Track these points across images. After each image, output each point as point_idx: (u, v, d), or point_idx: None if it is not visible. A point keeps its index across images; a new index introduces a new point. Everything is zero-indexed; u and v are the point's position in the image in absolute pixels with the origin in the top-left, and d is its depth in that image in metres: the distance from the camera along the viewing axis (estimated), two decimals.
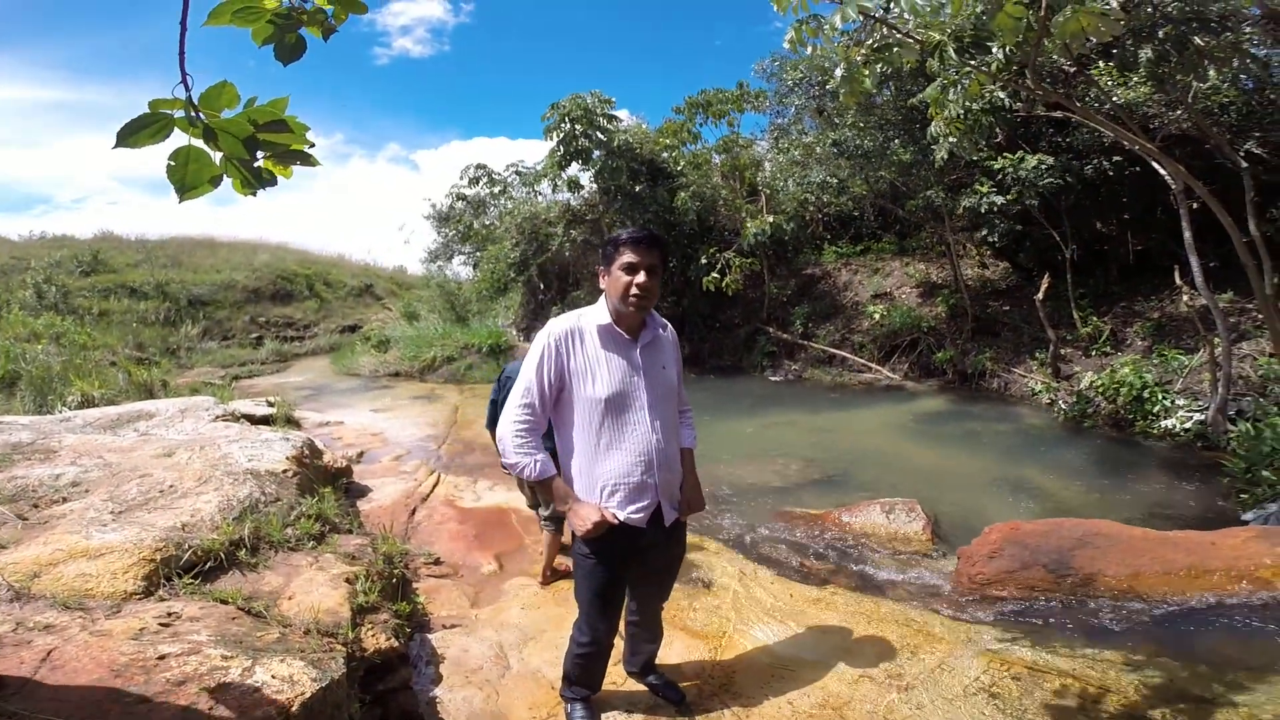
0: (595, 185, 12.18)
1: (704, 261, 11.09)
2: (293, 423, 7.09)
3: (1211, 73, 6.34)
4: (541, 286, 13.87)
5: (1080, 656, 2.86)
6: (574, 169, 11.93)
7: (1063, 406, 7.36)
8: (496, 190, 15.10)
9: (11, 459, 3.83)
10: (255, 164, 1.32)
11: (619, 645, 2.54)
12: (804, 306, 11.45)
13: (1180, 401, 6.48)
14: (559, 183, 12.35)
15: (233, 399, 7.64)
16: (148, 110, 1.19)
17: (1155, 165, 6.19)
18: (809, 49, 3.43)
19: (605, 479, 2.09)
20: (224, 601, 2.48)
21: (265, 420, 6.58)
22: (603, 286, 2.12)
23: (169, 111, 1.20)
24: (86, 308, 14.46)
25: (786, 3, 3.19)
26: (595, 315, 2.12)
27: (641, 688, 2.59)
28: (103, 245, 18.18)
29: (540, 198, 13.92)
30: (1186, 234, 6.14)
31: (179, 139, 1.23)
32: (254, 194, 1.38)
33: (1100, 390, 6.94)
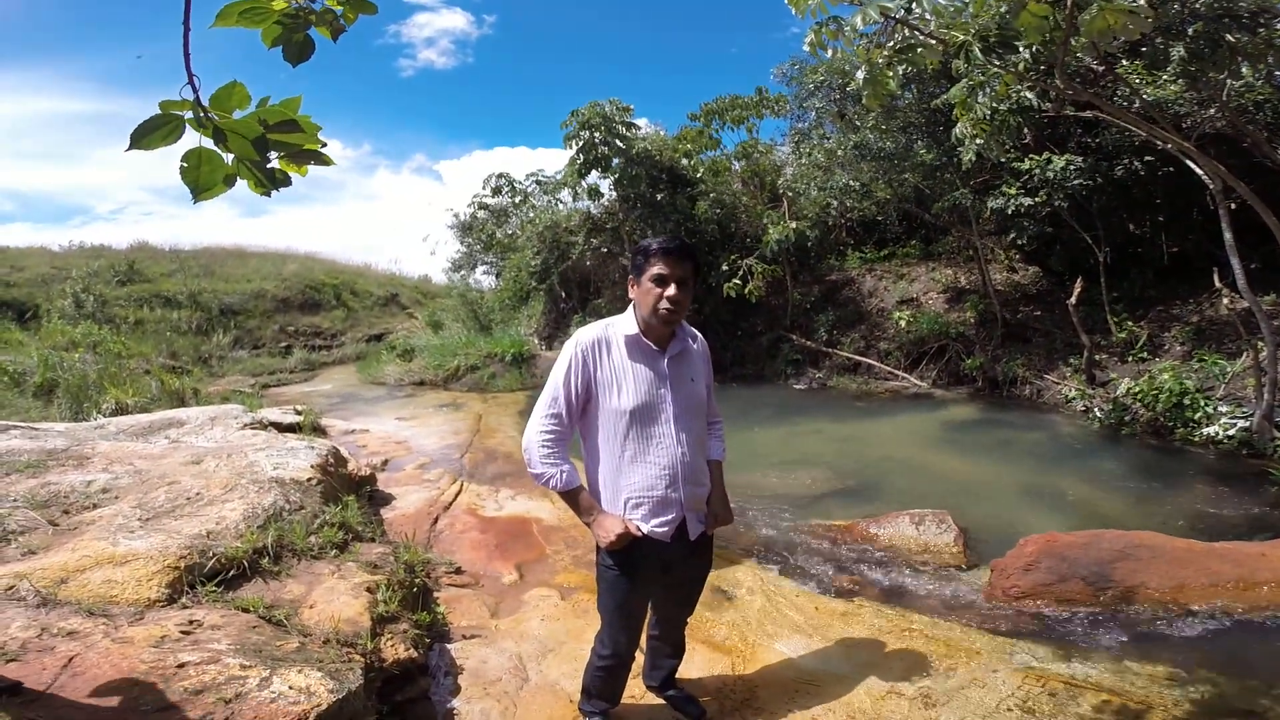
0: (615, 193, 12.20)
1: (725, 268, 11.03)
2: (319, 431, 7.18)
3: (1245, 70, 6.16)
4: (563, 295, 13.92)
5: (1121, 671, 2.75)
6: (594, 177, 11.96)
7: (1098, 414, 7.14)
8: (518, 200, 15.20)
9: (46, 465, 3.91)
10: (268, 164, 1.31)
11: (639, 659, 2.50)
12: (828, 313, 11.32)
13: (1223, 408, 6.25)
14: (579, 191, 12.40)
15: (261, 407, 7.77)
16: (158, 111, 1.19)
17: (1191, 165, 6.01)
18: (829, 52, 3.38)
19: (629, 492, 2.06)
20: (245, 610, 2.49)
21: (292, 428, 6.67)
22: (632, 296, 2.09)
23: (179, 113, 1.21)
24: (123, 317, 14.84)
25: (805, 6, 3.15)
26: (623, 325, 2.09)
27: (661, 702, 2.54)
28: (138, 255, 18.67)
29: (561, 206, 13.99)
30: (1227, 235, 5.94)
31: (191, 140, 1.24)
32: (268, 194, 1.37)
33: (1138, 397, 6.73)
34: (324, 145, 1.35)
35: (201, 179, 1.27)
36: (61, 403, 7.29)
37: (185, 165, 1.25)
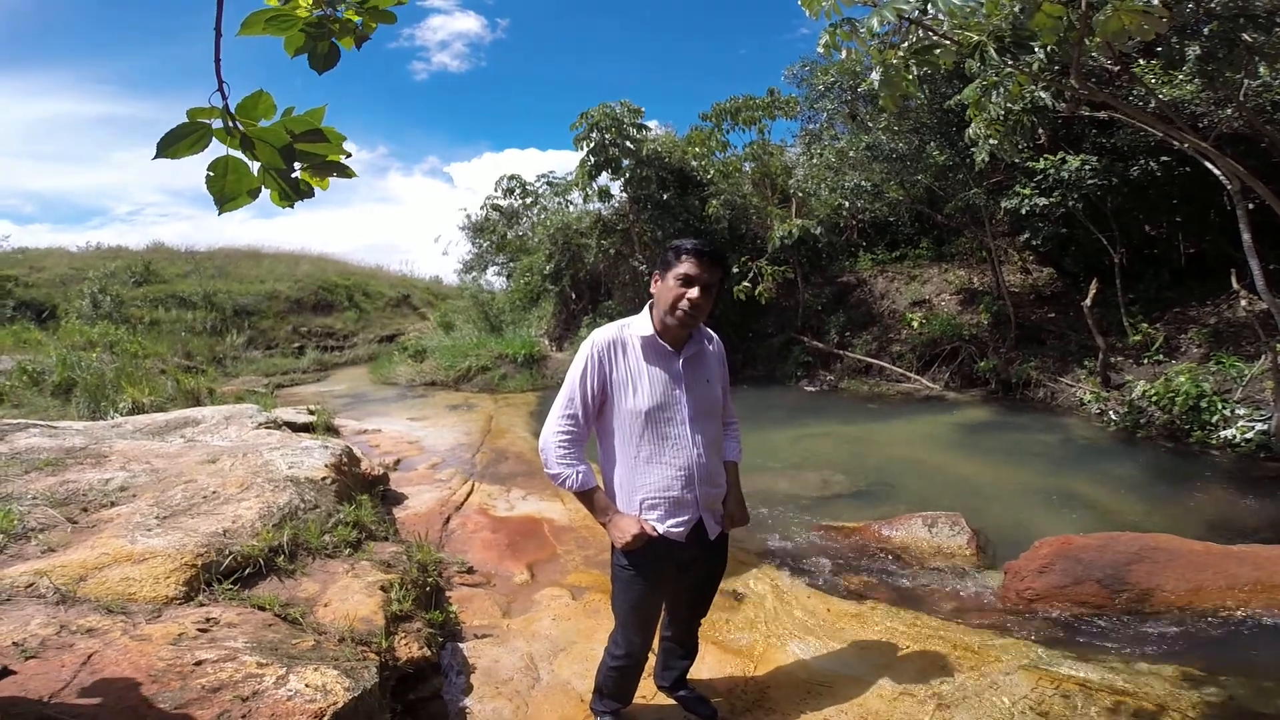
0: (625, 195, 12.21)
1: (735, 270, 11.02)
2: (332, 431, 7.23)
3: (1262, 69, 6.08)
4: (573, 296, 13.95)
5: (1135, 674, 2.73)
6: (604, 179, 11.98)
7: (1113, 417, 7.08)
8: (529, 201, 15.26)
9: (65, 463, 3.96)
10: (292, 175, 1.32)
11: (651, 659, 2.50)
12: (839, 315, 11.27)
13: (1241, 411, 6.17)
14: (590, 193, 12.43)
15: (275, 407, 7.83)
16: (186, 120, 1.20)
17: (1209, 165, 5.94)
18: (843, 53, 3.37)
19: (644, 492, 2.06)
20: (261, 608, 2.51)
21: (306, 428, 6.72)
22: (653, 292, 2.09)
23: (207, 121, 1.21)
24: (139, 317, 15.00)
25: (819, 7, 3.14)
26: (639, 326, 2.09)
27: (672, 702, 2.54)
28: (154, 256, 18.89)
29: (572, 208, 14.03)
30: (1245, 235, 5.86)
31: (218, 149, 1.24)
32: (291, 206, 1.38)
33: (1154, 399, 6.66)
34: (348, 156, 1.36)
35: (227, 189, 1.27)
36: (79, 401, 7.38)
37: (211, 175, 1.26)
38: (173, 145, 1.22)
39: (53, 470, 3.81)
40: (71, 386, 7.85)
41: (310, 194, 1.40)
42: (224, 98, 1.20)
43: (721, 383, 2.24)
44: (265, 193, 1.36)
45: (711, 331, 2.26)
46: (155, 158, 1.21)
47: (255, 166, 1.29)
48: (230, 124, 1.24)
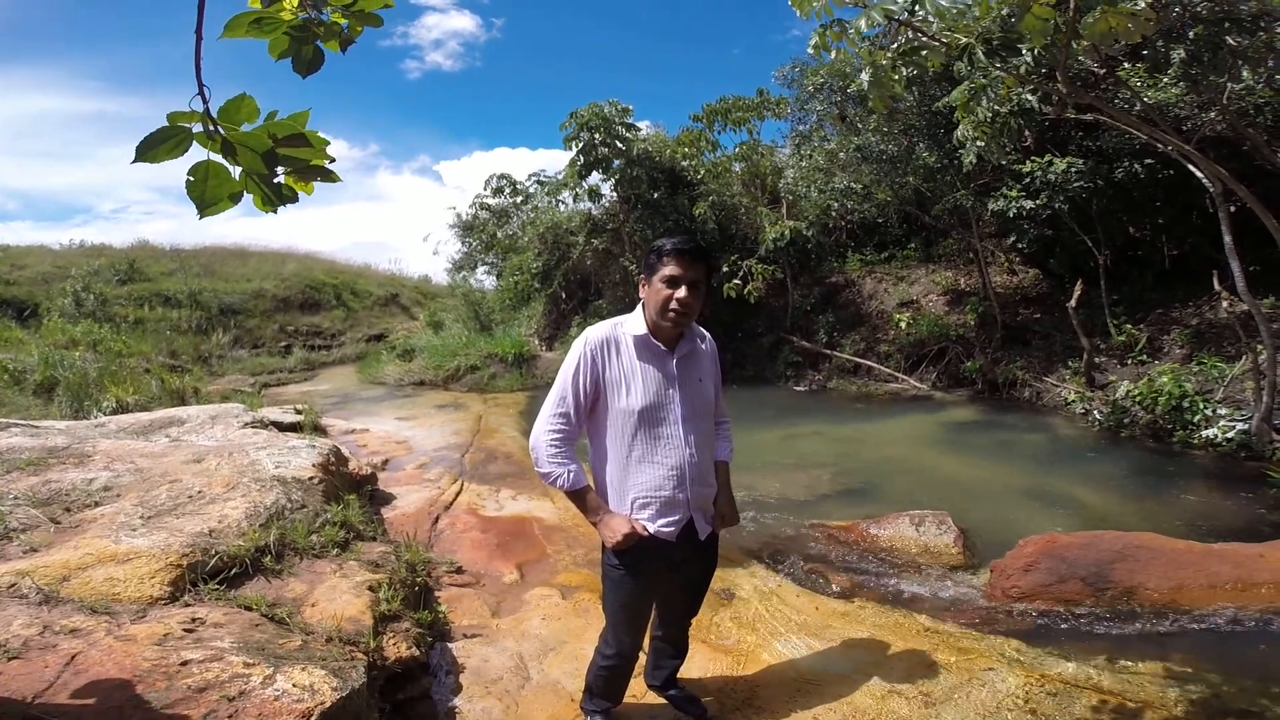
0: (615, 194, 12.21)
1: (725, 269, 11.04)
2: (319, 430, 7.18)
3: (1245, 73, 6.17)
4: (563, 296, 13.93)
5: (1120, 671, 2.76)
6: (594, 178, 11.98)
7: (1097, 416, 7.15)
8: (519, 200, 15.23)
9: (47, 463, 3.91)
10: (275, 180, 1.30)
11: (641, 658, 2.50)
12: (828, 315, 11.33)
13: (1222, 411, 6.26)
14: (580, 192, 12.41)
15: (261, 406, 7.77)
16: (166, 123, 1.18)
17: (1192, 168, 6.02)
18: (832, 54, 3.39)
19: (636, 492, 2.06)
20: (248, 608, 2.49)
21: (293, 427, 6.68)
22: (642, 296, 2.08)
23: (187, 125, 1.19)
24: (123, 315, 14.84)
25: (809, 7, 3.16)
26: (632, 325, 2.08)
27: (662, 701, 2.54)
28: (139, 254, 18.67)
29: (562, 207, 14.01)
30: (1226, 238, 5.94)
31: (199, 153, 1.22)
32: (274, 211, 1.36)
33: (1137, 399, 6.74)
34: (332, 160, 1.34)
35: (208, 194, 1.25)
36: (62, 401, 7.29)
37: (192, 179, 1.23)
38: (152, 149, 1.19)
39: (35, 470, 3.76)
40: (54, 385, 7.75)
41: (294, 199, 1.38)
42: (205, 101, 1.17)
43: (714, 382, 2.25)
44: (248, 196, 1.34)
45: (704, 330, 2.26)
46: (134, 161, 1.18)
47: (237, 171, 1.27)
48: (211, 128, 1.21)
